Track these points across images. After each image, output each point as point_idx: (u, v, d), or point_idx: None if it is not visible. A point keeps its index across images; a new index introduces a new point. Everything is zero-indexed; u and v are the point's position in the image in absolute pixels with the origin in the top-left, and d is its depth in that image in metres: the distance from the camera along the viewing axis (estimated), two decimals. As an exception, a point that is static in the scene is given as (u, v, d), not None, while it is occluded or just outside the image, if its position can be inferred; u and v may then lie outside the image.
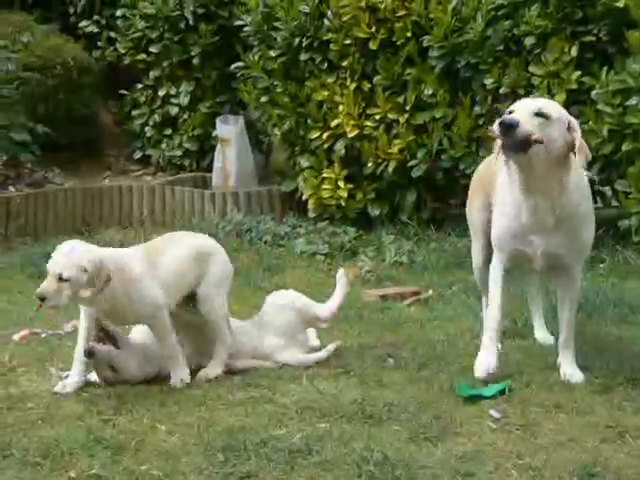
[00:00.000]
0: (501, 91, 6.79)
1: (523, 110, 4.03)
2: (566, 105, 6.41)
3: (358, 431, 3.67)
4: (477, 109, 7.00)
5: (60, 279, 3.99)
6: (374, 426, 3.74)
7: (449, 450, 3.51)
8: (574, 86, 6.44)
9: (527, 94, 6.63)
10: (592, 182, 6.78)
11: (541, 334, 4.93)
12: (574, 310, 4.41)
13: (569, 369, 4.30)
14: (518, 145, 3.96)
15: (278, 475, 3.30)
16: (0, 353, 4.72)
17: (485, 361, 4.27)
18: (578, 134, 4.08)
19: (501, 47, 6.77)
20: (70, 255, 4.06)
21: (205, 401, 4.02)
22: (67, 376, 4.27)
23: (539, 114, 4.02)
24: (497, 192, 4.40)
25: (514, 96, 6.72)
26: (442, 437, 3.63)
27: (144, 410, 3.90)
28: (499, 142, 4.09)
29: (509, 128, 3.94)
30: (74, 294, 4.05)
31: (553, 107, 4.14)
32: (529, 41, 6.63)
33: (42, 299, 4.01)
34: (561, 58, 6.48)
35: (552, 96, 6.45)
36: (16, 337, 5.01)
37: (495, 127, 3.99)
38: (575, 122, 4.15)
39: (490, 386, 4.14)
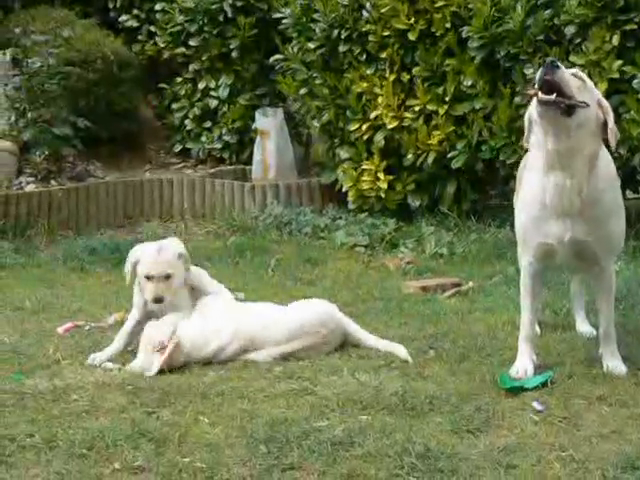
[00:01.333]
0: (541, 81, 6.73)
1: (561, 69, 3.92)
2: (607, 94, 6.40)
3: (400, 423, 3.68)
4: (517, 100, 6.94)
5: (167, 277, 4.50)
6: (416, 418, 3.74)
7: (491, 442, 3.51)
8: (615, 75, 6.37)
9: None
10: (634, 171, 6.79)
11: (583, 327, 4.89)
12: (611, 302, 4.32)
13: (611, 361, 4.26)
14: (564, 107, 3.85)
15: (321, 467, 3.31)
16: (44, 345, 4.78)
17: (522, 369, 4.21)
18: (610, 113, 4.01)
19: (541, 37, 6.71)
20: (160, 255, 4.57)
21: (247, 393, 4.04)
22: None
23: (576, 75, 3.96)
24: (521, 180, 4.34)
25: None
26: (484, 429, 3.63)
27: (187, 402, 3.93)
28: (536, 110, 3.95)
29: (553, 68, 3.83)
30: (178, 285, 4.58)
31: (586, 77, 4.07)
32: (569, 30, 6.57)
33: (159, 301, 4.51)
34: (602, 47, 6.41)
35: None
36: (60, 330, 5.07)
37: (537, 75, 3.88)
38: (605, 100, 4.08)
39: (532, 378, 4.12)
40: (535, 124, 4.03)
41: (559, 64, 3.90)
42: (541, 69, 3.91)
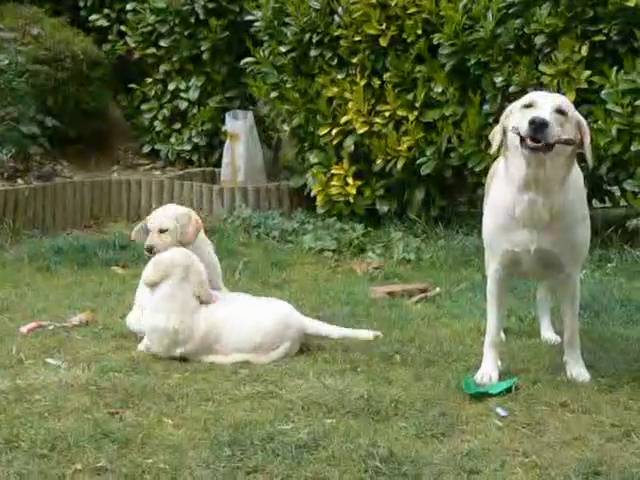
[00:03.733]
0: (511, 90, 6.77)
1: (546, 106, 3.97)
2: (576, 104, 6.43)
3: (364, 427, 3.68)
4: (487, 107, 6.99)
5: (160, 231, 4.83)
6: (380, 422, 3.74)
7: (455, 447, 3.52)
8: (584, 85, 6.43)
9: (537, 93, 6.64)
10: (600, 181, 6.85)
11: (548, 334, 4.92)
12: (576, 310, 4.34)
13: (575, 368, 4.30)
14: (547, 145, 3.90)
15: (284, 470, 3.31)
16: (7, 345, 4.74)
17: (487, 375, 4.22)
18: (587, 133, 4.06)
19: (511, 45, 6.76)
20: (164, 211, 4.98)
21: (212, 395, 4.02)
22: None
23: (559, 111, 3.99)
24: (490, 188, 4.35)
25: (524, 94, 6.73)
26: (448, 434, 3.64)
27: (150, 404, 3.91)
28: (511, 138, 4.03)
29: (542, 128, 3.87)
30: (173, 241, 4.83)
31: (568, 103, 4.11)
32: (539, 40, 6.62)
33: (150, 250, 4.82)
34: (571, 57, 6.47)
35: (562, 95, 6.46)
36: (23, 329, 5.02)
37: (523, 127, 3.91)
38: (583, 120, 4.12)
39: (496, 384, 4.14)
40: (515, 149, 4.03)
41: (547, 121, 3.89)
42: (529, 126, 3.89)
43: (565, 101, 4.12)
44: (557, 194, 4.04)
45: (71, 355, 4.61)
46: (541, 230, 4.10)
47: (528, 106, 4.02)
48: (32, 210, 7.71)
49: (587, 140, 4.05)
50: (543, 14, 6.56)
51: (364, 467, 3.32)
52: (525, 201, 4.05)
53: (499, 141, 4.13)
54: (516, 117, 4.04)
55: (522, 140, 3.95)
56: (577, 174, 4.19)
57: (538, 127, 3.87)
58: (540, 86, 6.62)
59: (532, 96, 4.12)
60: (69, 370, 4.34)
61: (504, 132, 4.12)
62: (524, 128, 3.92)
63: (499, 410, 3.88)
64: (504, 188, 4.14)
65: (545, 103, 3.99)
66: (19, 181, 8.06)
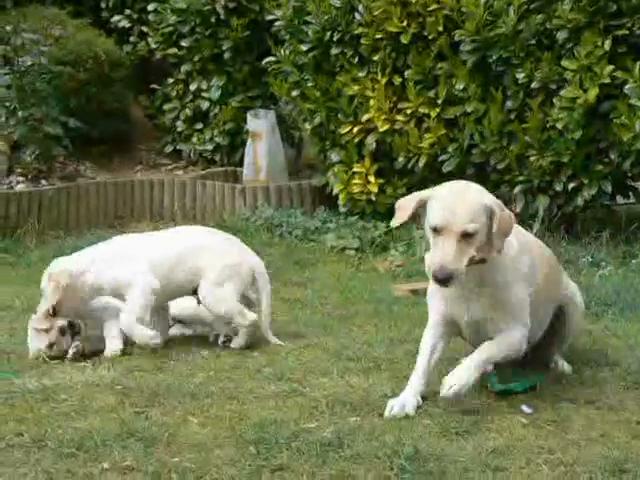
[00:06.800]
0: (533, 85, 6.76)
1: (451, 239, 3.67)
2: (599, 99, 6.44)
3: (389, 425, 3.68)
4: (509, 104, 6.97)
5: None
6: (405, 420, 3.74)
7: (480, 445, 3.51)
8: (607, 80, 6.39)
9: (559, 88, 6.63)
10: (624, 177, 6.82)
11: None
12: (502, 349, 3.92)
13: (452, 379, 3.84)
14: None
15: (310, 468, 3.31)
16: (34, 345, 4.76)
17: (401, 403, 3.84)
18: (496, 221, 3.73)
19: (533, 41, 6.74)
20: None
21: (236, 394, 4.04)
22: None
23: (467, 235, 3.69)
24: None
25: (546, 90, 6.73)
26: (473, 432, 3.63)
27: (176, 402, 3.93)
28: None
29: (446, 282, 3.69)
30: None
31: (477, 212, 3.72)
32: (562, 35, 6.59)
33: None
34: (594, 52, 6.43)
35: (584, 90, 6.43)
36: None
37: (430, 264, 3.74)
38: (495, 206, 3.76)
39: (521, 381, 4.13)
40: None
41: (452, 274, 3.65)
42: (433, 277, 3.71)
43: (474, 213, 3.71)
44: (479, 275, 3.84)
45: (96, 355, 4.64)
46: (473, 301, 3.91)
47: (436, 230, 3.73)
48: (56, 211, 7.77)
49: (495, 226, 3.72)
50: (565, 9, 6.53)
51: (389, 465, 3.32)
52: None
53: (407, 218, 3.88)
54: (430, 240, 3.80)
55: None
56: (512, 249, 3.90)
57: (443, 282, 3.68)
58: (562, 82, 6.61)
59: (438, 215, 3.74)
60: (95, 370, 4.37)
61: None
62: (431, 266, 3.72)
63: (524, 407, 3.87)
64: None
65: (450, 232, 3.67)
66: (43, 182, 8.12)
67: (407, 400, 3.85)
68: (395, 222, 3.98)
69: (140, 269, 4.68)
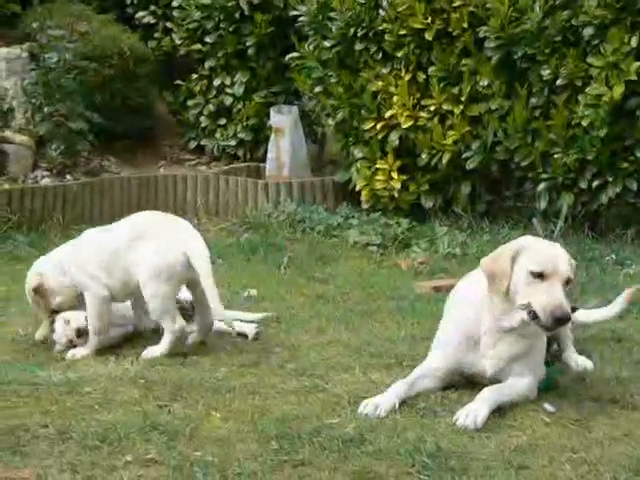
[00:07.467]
0: (558, 82, 6.73)
1: (557, 283, 3.75)
2: (625, 97, 6.40)
3: (411, 422, 3.68)
4: (533, 101, 6.94)
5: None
6: (427, 417, 3.74)
7: (503, 442, 3.51)
8: (633, 77, 6.35)
9: (584, 85, 6.59)
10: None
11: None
12: (508, 396, 3.88)
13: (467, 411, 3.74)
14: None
15: (331, 464, 3.32)
16: (58, 338, 4.80)
17: (374, 404, 3.79)
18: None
19: (559, 38, 6.71)
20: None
21: (258, 389, 4.05)
22: None
23: (569, 281, 3.80)
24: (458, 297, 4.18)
25: (571, 87, 6.70)
26: (496, 429, 3.63)
27: (198, 397, 3.95)
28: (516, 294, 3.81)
29: (565, 322, 3.78)
30: None
31: (567, 258, 3.87)
32: (587, 32, 6.56)
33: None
34: (620, 49, 6.39)
35: (610, 87, 6.40)
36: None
37: (541, 312, 3.71)
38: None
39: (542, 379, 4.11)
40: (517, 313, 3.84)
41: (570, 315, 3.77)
42: (553, 321, 3.72)
43: (570, 262, 3.87)
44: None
45: (120, 348, 4.67)
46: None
47: (540, 276, 3.76)
48: (80, 205, 7.81)
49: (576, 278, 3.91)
50: (592, 5, 6.49)
51: (411, 462, 3.32)
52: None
53: (506, 287, 3.83)
54: (522, 286, 3.80)
55: (534, 317, 3.76)
56: None
57: (563, 322, 3.75)
58: (588, 79, 6.57)
59: (543, 261, 3.79)
60: (118, 363, 4.40)
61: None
62: (543, 315, 3.71)
63: (547, 406, 3.86)
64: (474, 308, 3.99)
65: (559, 280, 3.75)
66: (67, 177, 8.17)
67: (382, 404, 3.78)
68: (502, 289, 3.86)
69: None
